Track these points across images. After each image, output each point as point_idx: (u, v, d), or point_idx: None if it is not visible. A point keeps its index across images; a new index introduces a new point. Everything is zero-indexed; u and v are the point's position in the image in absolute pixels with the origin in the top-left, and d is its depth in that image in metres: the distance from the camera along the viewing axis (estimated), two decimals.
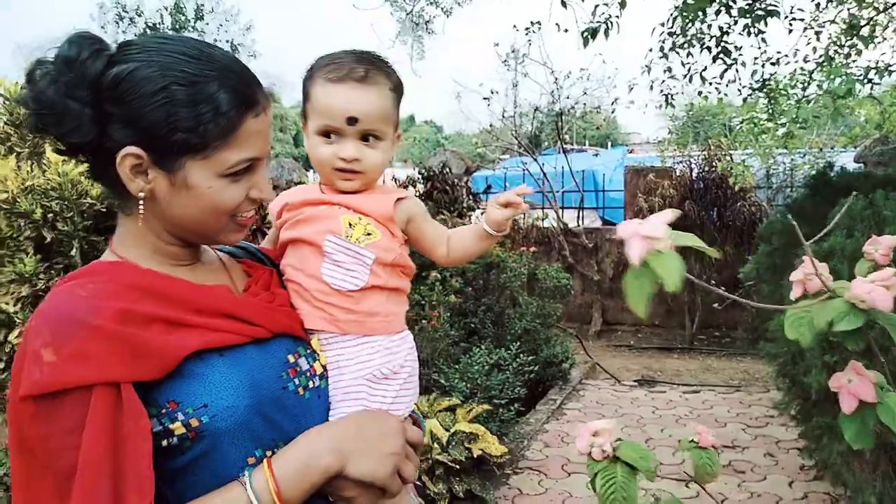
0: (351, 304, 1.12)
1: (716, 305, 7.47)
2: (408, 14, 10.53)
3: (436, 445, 3.72)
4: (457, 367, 4.69)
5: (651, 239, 0.79)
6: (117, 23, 18.25)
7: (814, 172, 7.57)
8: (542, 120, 12.24)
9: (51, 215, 3.65)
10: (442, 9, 9.97)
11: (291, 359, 1.06)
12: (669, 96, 7.54)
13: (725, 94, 7.85)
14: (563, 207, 9.84)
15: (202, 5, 17.47)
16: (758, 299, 5.55)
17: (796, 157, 9.80)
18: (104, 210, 3.79)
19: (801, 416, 3.73)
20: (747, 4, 6.24)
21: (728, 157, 8.70)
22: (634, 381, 6.53)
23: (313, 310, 1.12)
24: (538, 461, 4.53)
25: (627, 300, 0.81)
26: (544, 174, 9.68)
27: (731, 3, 6.24)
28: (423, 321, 4.73)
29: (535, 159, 10.01)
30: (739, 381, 6.46)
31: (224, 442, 0.94)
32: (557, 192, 9.62)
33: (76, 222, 3.65)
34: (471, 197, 6.82)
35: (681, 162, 9.13)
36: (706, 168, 8.49)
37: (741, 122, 10.40)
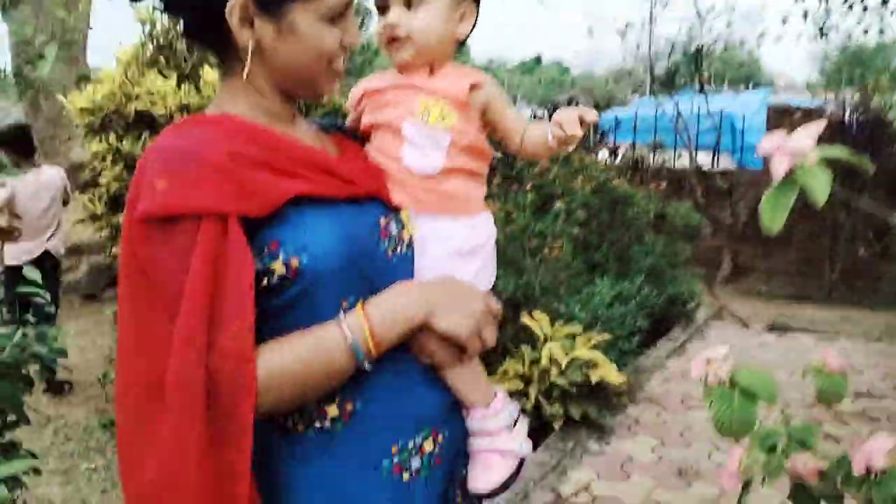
0: (432, 185, 1.14)
1: (862, 253, 6.99)
2: None
3: (554, 369, 3.76)
4: (578, 296, 4.68)
5: (797, 154, 0.76)
6: None
7: None
8: (678, 60, 11.65)
9: None
10: None
11: (383, 222, 1.08)
12: (823, 28, 6.98)
13: (889, 26, 7.17)
14: (697, 148, 9.42)
15: None
16: None
17: None
18: None
19: None
20: None
21: (889, 98, 7.99)
22: (766, 326, 6.27)
23: (397, 188, 1.14)
24: (657, 394, 4.49)
25: (762, 217, 0.77)
26: (679, 114, 9.27)
27: None
28: (546, 251, 4.74)
29: (671, 96, 9.58)
30: (881, 333, 6.06)
31: (320, 285, 0.97)
32: (693, 133, 9.20)
33: None
34: (598, 135, 6.66)
35: (832, 103, 8.48)
36: (860, 109, 7.84)
37: None
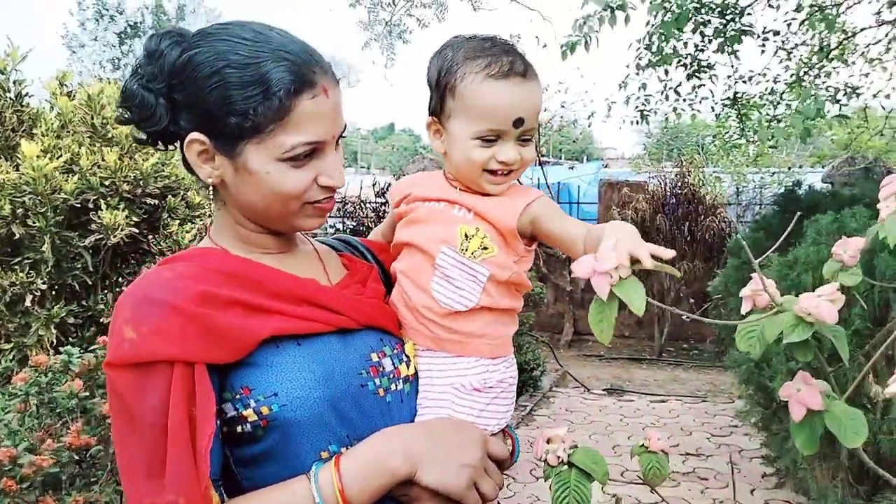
0: (456, 324, 1.04)
1: (685, 317, 7.59)
2: (386, 24, 10.59)
3: None
4: None
5: (610, 272, 0.84)
6: (97, 20, 18.04)
7: (782, 190, 7.77)
8: None
9: (20, 211, 3.64)
10: (418, 20, 10.07)
11: (375, 357, 1.01)
12: (644, 112, 7.68)
13: (699, 111, 8.03)
14: None
15: (184, 6, 17.37)
16: (725, 312, 5.67)
17: (765, 176, 10.04)
18: (78, 205, 3.79)
19: (762, 424, 3.83)
20: (721, 24, 6.41)
21: (700, 173, 8.90)
22: (604, 389, 6.63)
23: (416, 324, 1.06)
24: None
25: (593, 329, 0.84)
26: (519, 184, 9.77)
27: (705, 23, 6.41)
28: None
29: None
30: (705, 392, 6.58)
31: (295, 433, 0.92)
32: None
33: (48, 217, 3.64)
34: None
35: (655, 177, 9.30)
36: (679, 183, 8.66)
37: (713, 139, 10.61)
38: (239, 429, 0.92)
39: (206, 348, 0.88)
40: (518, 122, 1.03)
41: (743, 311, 0.97)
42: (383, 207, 8.28)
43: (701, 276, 7.70)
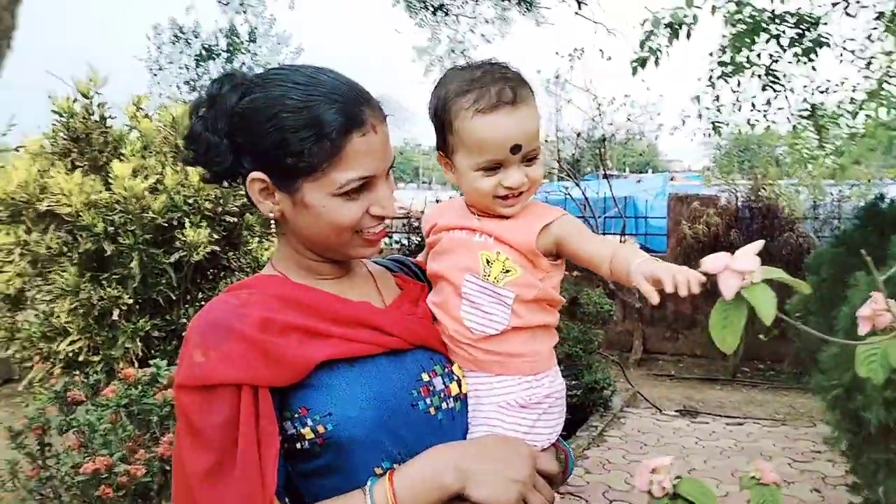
0: (492, 346, 1.07)
1: (761, 337, 7.34)
2: (450, 39, 10.68)
3: None
4: None
5: (744, 273, 0.81)
6: (173, 43, 18.79)
7: (863, 204, 7.46)
8: (583, 146, 12.26)
9: (111, 228, 3.80)
10: (483, 35, 10.11)
11: (426, 377, 1.06)
12: (717, 124, 7.51)
13: (773, 122, 7.80)
14: (604, 233, 9.82)
15: (255, 28, 17.94)
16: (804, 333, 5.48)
17: (844, 189, 9.66)
18: (165, 224, 3.94)
19: (851, 452, 3.66)
20: (797, 34, 6.23)
21: (776, 188, 8.62)
22: (676, 410, 6.46)
23: (456, 349, 1.09)
24: (578, 487, 4.51)
25: (713, 335, 0.82)
26: (586, 199, 9.68)
27: (780, 34, 6.24)
28: None
29: (577, 184, 10.02)
30: (785, 415, 6.34)
31: (350, 450, 0.98)
32: (599, 217, 9.60)
33: (137, 235, 3.80)
34: None
35: (725, 190, 9.06)
36: (752, 197, 8.41)
37: (789, 151, 10.28)
38: (298, 446, 0.99)
39: (267, 372, 0.95)
40: (515, 149, 1.05)
41: (861, 333, 0.93)
42: None
43: (778, 293, 7.40)
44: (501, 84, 1.07)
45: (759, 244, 0.83)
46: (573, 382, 5.41)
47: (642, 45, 6.07)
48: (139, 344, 3.82)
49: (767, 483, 1.16)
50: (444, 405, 1.06)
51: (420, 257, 1.29)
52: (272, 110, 0.99)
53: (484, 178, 1.08)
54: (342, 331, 1.01)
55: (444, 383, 1.07)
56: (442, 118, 1.10)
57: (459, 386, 1.09)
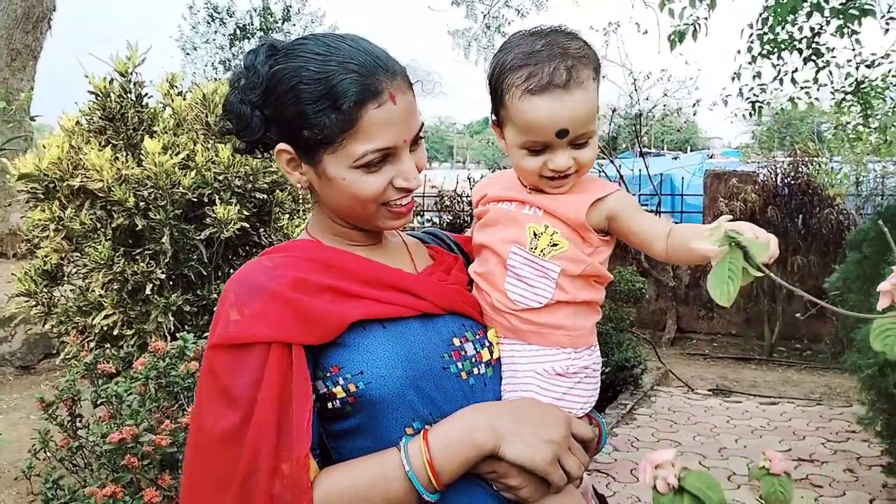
0: (534, 316, 1.06)
1: (798, 315, 7.20)
2: (484, 16, 10.57)
3: None
4: None
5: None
6: (208, 23, 18.94)
7: None
8: (620, 123, 12.06)
9: (143, 204, 3.86)
10: (517, 10, 9.98)
11: (457, 342, 1.06)
12: (756, 103, 7.31)
13: (816, 99, 7.57)
14: None
15: (290, 7, 17.98)
16: (844, 310, 5.35)
17: (888, 165, 9.36)
18: (194, 199, 3.99)
19: (887, 432, 3.58)
20: (840, 4, 6.01)
21: (816, 164, 8.39)
22: (709, 390, 6.38)
23: (496, 315, 1.09)
24: (606, 464, 4.50)
25: (710, 288, 0.80)
26: (620, 176, 9.55)
27: (823, 3, 6.03)
28: None
29: (612, 161, 9.88)
30: (820, 395, 6.23)
31: (380, 409, 0.99)
32: (634, 195, 9.47)
33: (168, 211, 3.85)
34: None
35: (765, 167, 8.85)
36: (791, 174, 8.20)
37: (833, 128, 9.97)
38: (329, 405, 1.00)
39: (301, 331, 0.96)
40: (562, 133, 1.03)
41: (879, 308, 0.90)
42: None
43: (816, 271, 7.28)
44: (557, 62, 1.03)
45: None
46: (602, 360, 5.37)
47: (681, 15, 5.92)
48: (171, 318, 3.90)
49: (777, 473, 1.13)
50: (475, 370, 1.07)
51: (468, 231, 1.28)
52: (292, 81, 1.00)
53: (529, 158, 1.07)
54: (375, 293, 1.03)
55: (475, 349, 1.08)
56: (496, 89, 1.09)
57: (491, 353, 1.09)
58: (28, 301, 4.11)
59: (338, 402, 0.99)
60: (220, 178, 4.03)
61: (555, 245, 1.06)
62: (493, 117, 1.13)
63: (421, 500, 0.96)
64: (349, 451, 1.01)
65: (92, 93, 4.24)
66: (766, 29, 6.25)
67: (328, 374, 0.99)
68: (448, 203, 9.17)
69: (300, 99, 0.99)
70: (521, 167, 1.09)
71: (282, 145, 1.04)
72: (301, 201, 4.60)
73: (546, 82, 1.02)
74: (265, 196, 4.24)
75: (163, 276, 3.92)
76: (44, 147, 4.03)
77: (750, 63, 6.57)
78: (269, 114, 1.04)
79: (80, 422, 2.79)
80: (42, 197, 4.01)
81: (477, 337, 1.09)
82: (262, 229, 4.39)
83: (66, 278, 4.21)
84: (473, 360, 1.07)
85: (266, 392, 0.93)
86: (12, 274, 4.22)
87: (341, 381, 0.98)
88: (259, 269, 1.02)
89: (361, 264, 1.06)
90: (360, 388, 0.98)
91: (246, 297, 0.98)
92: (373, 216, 1.06)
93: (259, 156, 1.12)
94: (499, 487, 1.01)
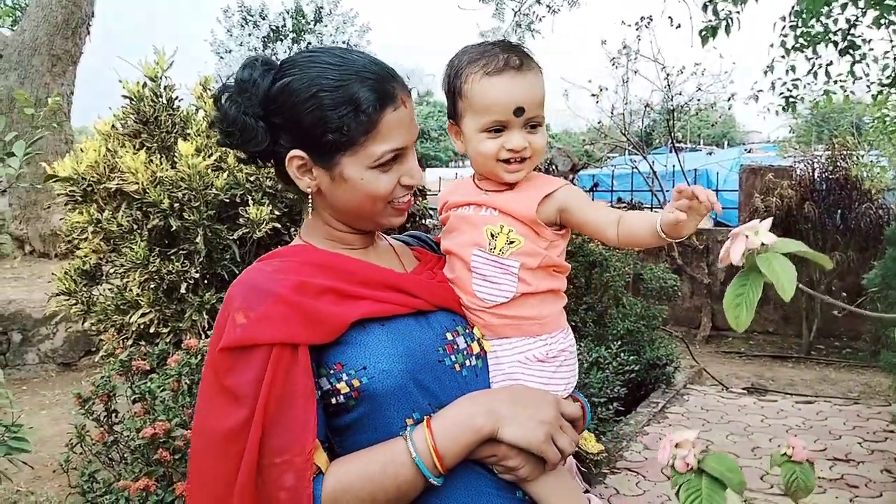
0: (504, 311, 1.15)
1: (836, 313, 7.07)
2: (515, 14, 10.54)
3: None
4: None
5: (755, 238, 0.77)
6: (242, 26, 19.21)
7: None
8: (654, 118, 11.91)
9: (177, 205, 3.95)
10: (549, 7, 9.93)
11: (449, 336, 1.14)
12: (790, 98, 7.18)
13: (853, 92, 7.41)
14: None
15: (321, 8, 18.15)
16: (883, 307, 5.21)
17: None
18: (227, 200, 4.07)
19: None
20: None
21: (855, 158, 8.20)
22: (744, 388, 6.30)
23: (472, 316, 1.18)
24: (637, 463, 4.47)
25: (727, 314, 0.79)
26: (654, 172, 9.44)
27: None
28: None
29: (645, 157, 9.77)
30: (858, 394, 6.11)
31: (382, 402, 1.05)
32: (667, 191, 9.36)
33: (202, 211, 3.93)
34: None
35: (801, 161, 8.69)
36: (829, 168, 8.03)
37: (872, 121, 9.73)
38: (333, 401, 1.05)
39: (306, 331, 1.02)
40: (518, 111, 1.12)
41: None
42: None
43: (855, 267, 7.13)
44: (511, 52, 1.15)
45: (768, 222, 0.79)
46: (632, 358, 5.33)
47: (715, 10, 5.85)
48: (205, 316, 3.98)
49: (800, 461, 1.11)
50: (467, 362, 1.14)
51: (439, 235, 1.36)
52: (311, 90, 1.07)
53: (488, 141, 1.14)
54: (372, 293, 1.09)
55: (466, 342, 1.15)
56: (454, 85, 1.18)
57: (480, 346, 1.17)
58: (68, 300, 4.23)
59: (341, 397, 1.05)
60: (252, 178, 4.10)
61: (511, 242, 1.14)
62: (450, 120, 1.22)
63: (427, 483, 1.03)
64: (352, 445, 1.06)
65: (126, 97, 4.35)
66: (798, 22, 6.13)
67: (332, 372, 1.05)
68: None
69: (322, 105, 1.06)
70: (479, 153, 1.16)
71: (295, 151, 1.10)
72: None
73: (503, 65, 1.12)
74: (295, 196, 4.30)
75: (197, 276, 4.01)
76: (81, 150, 4.14)
77: (783, 57, 6.46)
78: (279, 122, 1.10)
79: (116, 417, 2.88)
80: (80, 199, 4.12)
81: (467, 331, 1.17)
82: (292, 229, 4.45)
83: (104, 278, 4.33)
84: (465, 352, 1.14)
85: (270, 389, 0.98)
86: (53, 273, 4.35)
87: (345, 378, 1.04)
88: (261, 274, 1.07)
89: (359, 266, 1.12)
90: (364, 383, 1.04)
91: (251, 300, 1.03)
92: (379, 213, 1.13)
93: (261, 164, 1.19)
94: (499, 471, 1.08)
